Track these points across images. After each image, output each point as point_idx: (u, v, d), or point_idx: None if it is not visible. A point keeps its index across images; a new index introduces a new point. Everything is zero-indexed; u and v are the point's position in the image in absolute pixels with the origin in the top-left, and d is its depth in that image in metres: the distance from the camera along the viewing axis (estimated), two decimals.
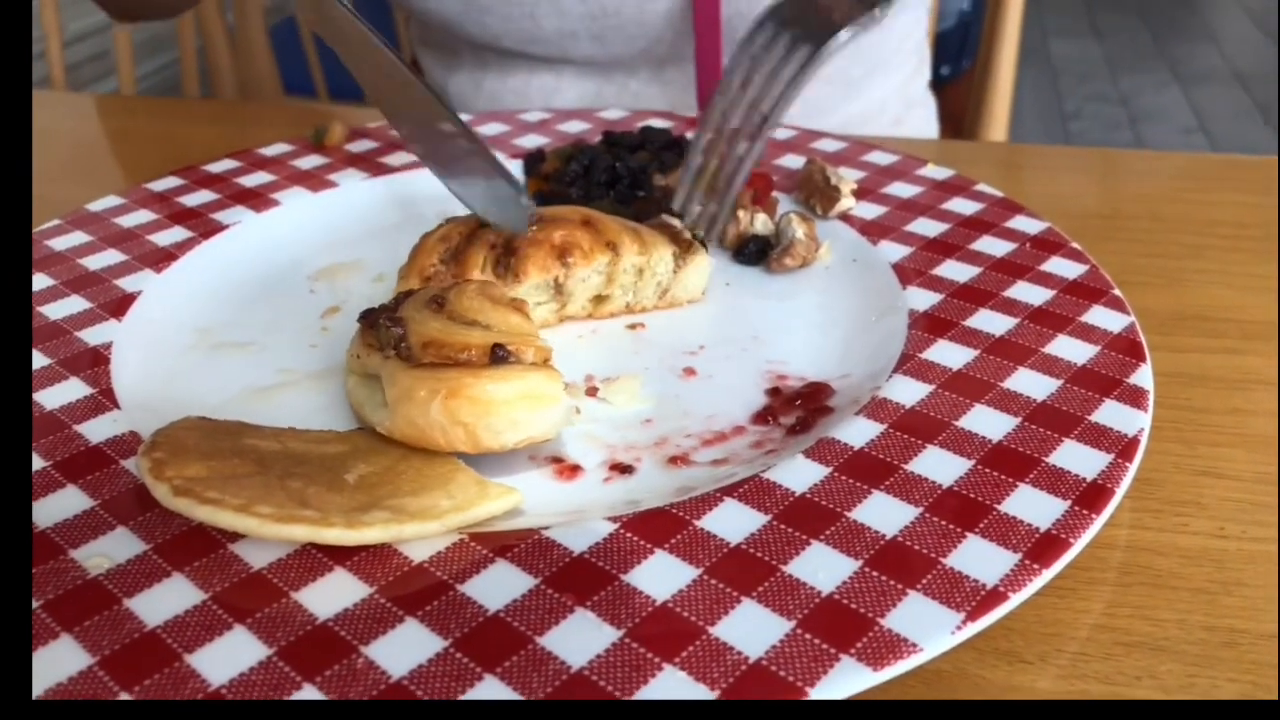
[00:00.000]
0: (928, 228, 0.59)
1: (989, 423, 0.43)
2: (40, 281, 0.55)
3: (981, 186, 0.63)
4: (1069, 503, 0.39)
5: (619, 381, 0.49)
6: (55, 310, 0.53)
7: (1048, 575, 0.36)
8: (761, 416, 0.47)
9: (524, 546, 0.38)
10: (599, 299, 0.54)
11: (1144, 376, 0.46)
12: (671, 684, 0.32)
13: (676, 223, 0.57)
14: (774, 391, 0.49)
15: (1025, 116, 3.24)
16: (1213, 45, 3.79)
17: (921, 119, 1.01)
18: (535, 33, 0.84)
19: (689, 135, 0.70)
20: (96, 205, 0.63)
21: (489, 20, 0.84)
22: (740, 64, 0.51)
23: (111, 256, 0.58)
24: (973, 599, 0.35)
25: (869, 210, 0.61)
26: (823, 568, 0.36)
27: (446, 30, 0.88)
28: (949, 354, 0.48)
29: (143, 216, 0.62)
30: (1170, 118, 3.26)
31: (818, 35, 0.48)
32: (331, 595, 0.36)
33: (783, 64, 0.49)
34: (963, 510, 0.39)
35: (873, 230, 0.59)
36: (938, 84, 1.06)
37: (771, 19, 0.51)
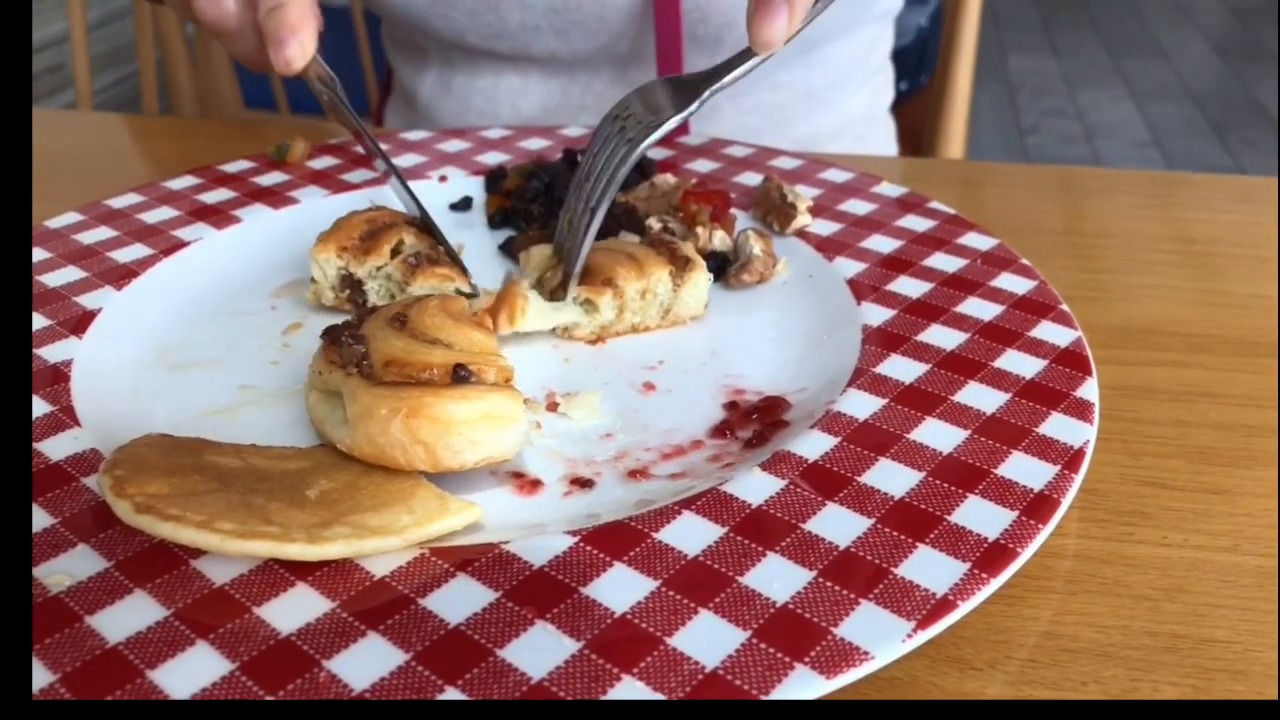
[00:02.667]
0: (882, 244, 0.60)
1: (939, 435, 0.44)
2: None
3: (935, 204, 0.64)
4: (1016, 513, 0.40)
5: (579, 397, 0.50)
6: None
7: (996, 584, 0.37)
8: (719, 430, 0.48)
9: (484, 560, 0.38)
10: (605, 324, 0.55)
11: (1090, 390, 0.47)
12: (629, 694, 0.33)
13: (676, 240, 0.58)
14: (731, 406, 0.49)
15: (984, 131, 3.29)
16: (1166, 62, 3.86)
17: (882, 138, 1.03)
18: (499, 27, 0.85)
19: (648, 152, 0.71)
20: (56, 222, 0.63)
21: (454, 15, 0.84)
22: (584, 165, 0.55)
23: (71, 273, 0.58)
24: (923, 608, 0.36)
25: (825, 227, 0.62)
26: (778, 578, 0.37)
27: (413, 27, 0.89)
28: (902, 368, 0.49)
29: (103, 233, 0.62)
30: (1125, 133, 3.31)
31: (638, 135, 0.52)
32: (293, 610, 0.36)
33: (610, 160, 0.53)
34: (914, 521, 0.40)
35: (828, 247, 0.60)
36: (896, 100, 1.07)
37: (608, 120, 0.55)
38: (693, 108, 0.52)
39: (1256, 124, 3.33)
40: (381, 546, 0.38)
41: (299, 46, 0.55)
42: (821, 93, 0.92)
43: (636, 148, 0.52)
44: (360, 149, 0.73)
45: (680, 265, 0.55)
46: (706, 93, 0.52)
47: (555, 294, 0.55)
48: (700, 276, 0.56)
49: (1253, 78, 3.66)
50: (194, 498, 0.39)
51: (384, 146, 0.73)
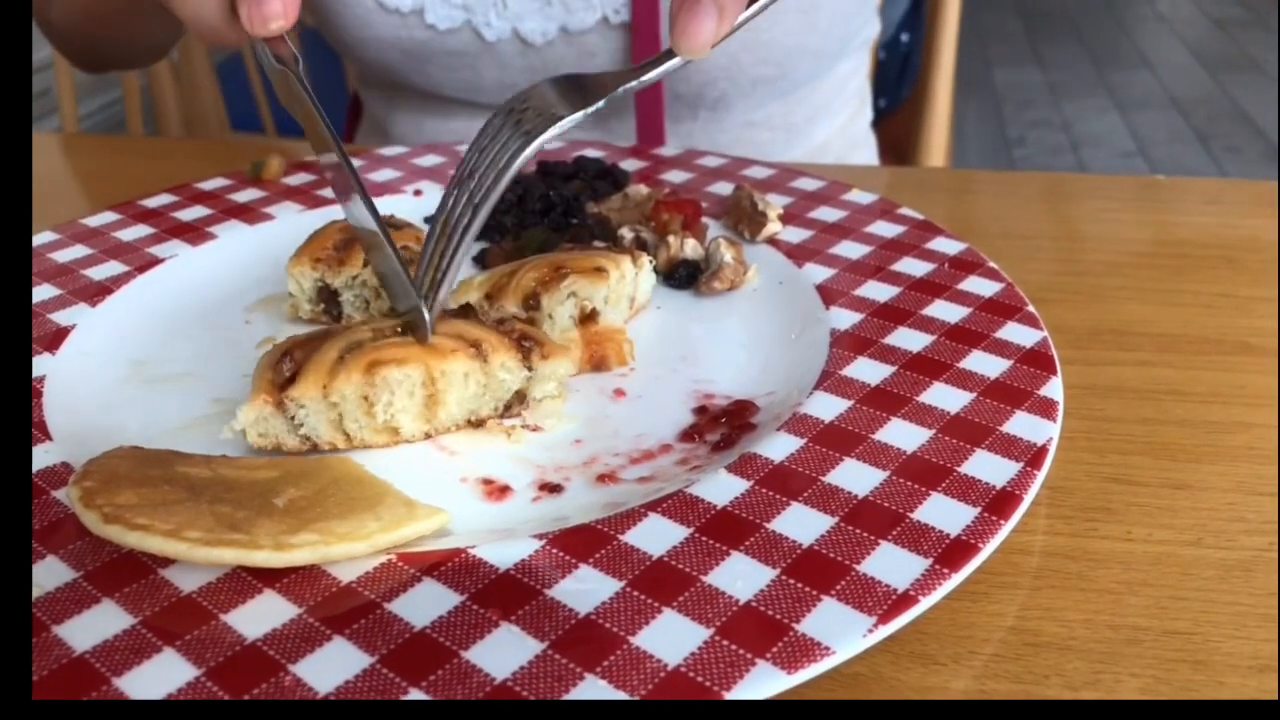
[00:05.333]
0: (851, 250, 0.61)
1: (904, 435, 0.45)
2: None
3: (904, 210, 0.65)
4: (979, 509, 0.40)
5: (549, 403, 0.50)
6: None
7: (957, 579, 0.37)
8: (688, 434, 0.48)
9: (451, 565, 0.39)
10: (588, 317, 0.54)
11: (1054, 389, 0.48)
12: (591, 693, 0.33)
13: (604, 245, 0.58)
14: (701, 410, 0.50)
15: (970, 143, 3.31)
16: (1150, 72, 3.88)
17: (864, 156, 1.03)
18: (476, 83, 0.85)
19: (623, 164, 0.72)
20: (32, 241, 0.63)
21: (430, 70, 0.85)
22: (469, 159, 0.50)
23: (46, 291, 0.58)
24: (884, 603, 0.36)
25: (795, 234, 0.63)
26: (741, 577, 0.38)
27: (388, 78, 0.89)
28: (868, 370, 0.49)
29: (78, 251, 0.62)
30: (1111, 143, 3.33)
31: (536, 127, 0.48)
32: (260, 616, 0.37)
33: (500, 154, 0.48)
34: (877, 519, 0.40)
35: (798, 253, 0.61)
36: (877, 115, 1.08)
37: (502, 113, 0.50)
38: (599, 104, 0.48)
39: (1240, 132, 3.35)
40: (348, 552, 0.39)
41: (281, 3, 0.46)
42: (801, 126, 0.93)
43: (533, 141, 0.48)
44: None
45: (632, 259, 0.56)
46: (618, 90, 0.48)
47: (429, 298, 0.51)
48: (645, 262, 0.56)
49: (1235, 86, 3.69)
50: (162, 507, 0.39)
51: (358, 162, 0.74)
